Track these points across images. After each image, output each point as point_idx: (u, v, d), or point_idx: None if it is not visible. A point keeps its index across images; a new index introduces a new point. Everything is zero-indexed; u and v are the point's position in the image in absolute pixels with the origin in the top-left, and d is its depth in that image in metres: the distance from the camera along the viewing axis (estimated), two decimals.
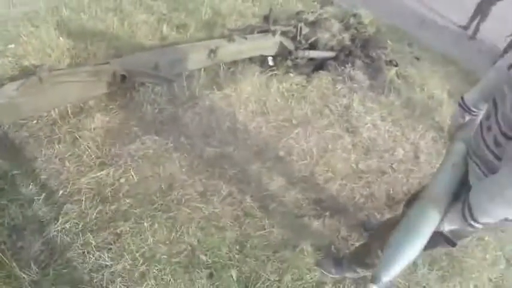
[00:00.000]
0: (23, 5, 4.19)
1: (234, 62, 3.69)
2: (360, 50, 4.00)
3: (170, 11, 4.49)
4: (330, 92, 3.76)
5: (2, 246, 2.02)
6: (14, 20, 3.82)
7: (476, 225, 1.31)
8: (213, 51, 3.39)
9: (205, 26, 4.33)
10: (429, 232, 1.39)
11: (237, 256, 2.25)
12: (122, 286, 1.99)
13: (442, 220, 1.39)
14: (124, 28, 4.00)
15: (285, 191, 2.73)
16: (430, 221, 1.39)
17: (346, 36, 4.05)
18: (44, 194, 2.29)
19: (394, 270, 1.39)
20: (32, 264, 1.98)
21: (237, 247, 2.30)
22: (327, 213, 2.64)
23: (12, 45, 3.44)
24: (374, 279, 1.41)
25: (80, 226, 2.18)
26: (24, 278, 1.93)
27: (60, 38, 3.57)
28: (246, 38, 3.60)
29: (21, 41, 3.45)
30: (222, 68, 3.56)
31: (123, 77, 2.93)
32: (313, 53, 3.83)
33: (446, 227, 1.40)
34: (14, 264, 1.95)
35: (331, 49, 3.93)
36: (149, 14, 4.34)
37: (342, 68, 3.88)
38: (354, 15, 4.42)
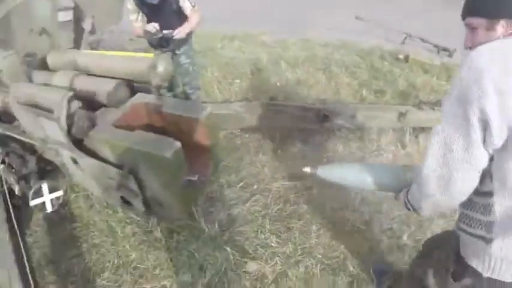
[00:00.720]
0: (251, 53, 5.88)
1: (422, 128, 4.04)
2: None
3: (370, 78, 5.26)
4: None
5: (197, 208, 2.86)
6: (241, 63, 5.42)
7: (408, 205, 1.49)
8: (402, 115, 3.83)
9: (400, 95, 4.86)
10: (373, 182, 1.62)
11: None
12: (279, 263, 2.56)
13: (405, 188, 1.55)
14: (331, 85, 4.94)
15: None
16: (390, 177, 1.64)
17: None
18: (241, 183, 3.16)
19: (330, 174, 1.74)
20: (216, 224, 2.76)
21: None
22: None
23: (238, 81, 4.94)
24: (314, 167, 1.76)
25: (262, 213, 2.91)
26: (205, 231, 2.72)
27: (277, 84, 4.73)
28: (434, 110, 3.98)
29: (245, 78, 4.88)
30: (408, 131, 3.97)
31: (325, 116, 3.69)
32: None
33: (402, 198, 1.55)
34: (202, 220, 2.78)
35: None
36: (352, 78, 5.19)
37: None
38: None
